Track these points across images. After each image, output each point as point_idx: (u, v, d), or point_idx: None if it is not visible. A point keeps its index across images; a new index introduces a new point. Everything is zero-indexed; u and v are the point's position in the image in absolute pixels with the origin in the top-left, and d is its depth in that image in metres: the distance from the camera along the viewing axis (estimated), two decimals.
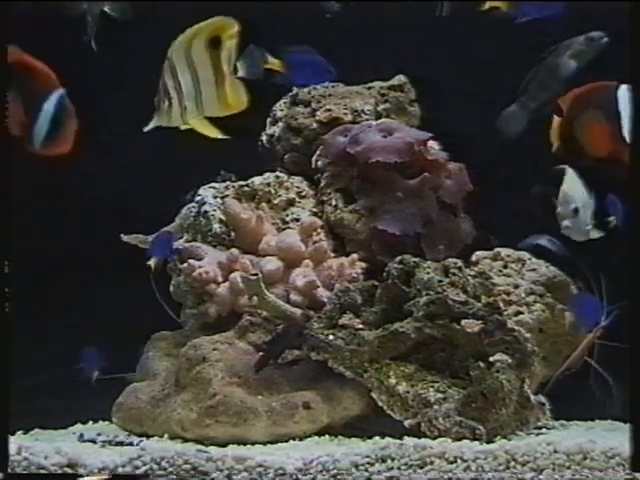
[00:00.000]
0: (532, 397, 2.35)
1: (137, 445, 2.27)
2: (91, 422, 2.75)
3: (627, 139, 2.30)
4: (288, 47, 2.46)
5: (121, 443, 2.33)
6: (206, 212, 2.74)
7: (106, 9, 2.76)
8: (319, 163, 2.79)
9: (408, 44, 2.92)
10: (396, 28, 2.91)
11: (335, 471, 2.03)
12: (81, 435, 2.42)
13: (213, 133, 2.35)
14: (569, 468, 2.01)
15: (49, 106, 2.15)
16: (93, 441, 2.36)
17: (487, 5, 2.51)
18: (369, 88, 2.92)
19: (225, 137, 2.35)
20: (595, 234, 2.54)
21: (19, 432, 2.51)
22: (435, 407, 2.29)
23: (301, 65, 2.52)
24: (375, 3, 2.89)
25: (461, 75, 2.86)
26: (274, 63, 2.44)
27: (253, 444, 2.30)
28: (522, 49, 2.73)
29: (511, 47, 2.76)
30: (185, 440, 2.34)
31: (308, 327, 2.41)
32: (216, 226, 2.72)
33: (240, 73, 2.32)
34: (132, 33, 2.86)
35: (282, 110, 2.95)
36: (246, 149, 2.97)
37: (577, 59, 2.61)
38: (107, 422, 2.64)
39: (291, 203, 2.77)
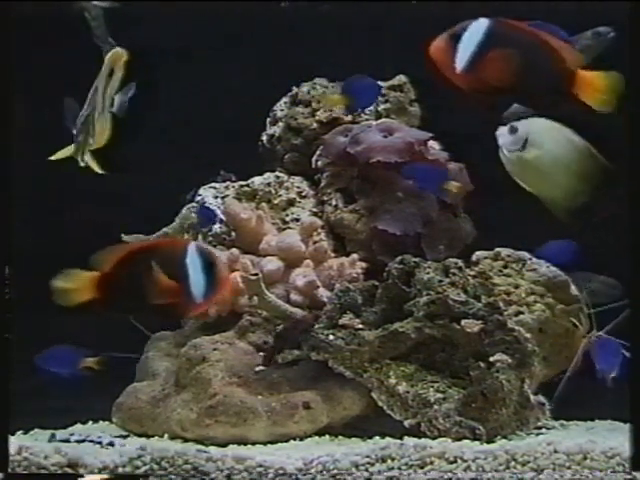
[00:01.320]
0: (532, 397, 2.35)
1: (110, 445, 2.27)
2: (91, 422, 2.75)
3: None
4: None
5: (99, 443, 2.32)
6: None
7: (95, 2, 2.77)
8: (319, 163, 2.79)
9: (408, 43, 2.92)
10: (396, 28, 2.91)
11: (335, 471, 2.03)
12: (53, 435, 2.41)
13: (95, 167, 2.36)
14: (569, 468, 2.01)
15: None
16: (67, 440, 2.35)
17: None
18: None
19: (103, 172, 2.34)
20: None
21: (19, 432, 2.51)
22: (435, 407, 2.29)
23: (360, 92, 2.57)
24: (375, 3, 2.89)
25: None
26: (335, 99, 2.53)
27: (253, 444, 2.30)
28: None
29: None
30: (185, 440, 2.35)
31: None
32: (216, 226, 2.72)
33: (114, 108, 2.31)
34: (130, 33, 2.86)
35: (282, 110, 2.95)
36: (246, 149, 2.97)
37: (584, 54, 2.60)
38: (107, 422, 2.64)
39: (291, 203, 2.78)
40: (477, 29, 2.04)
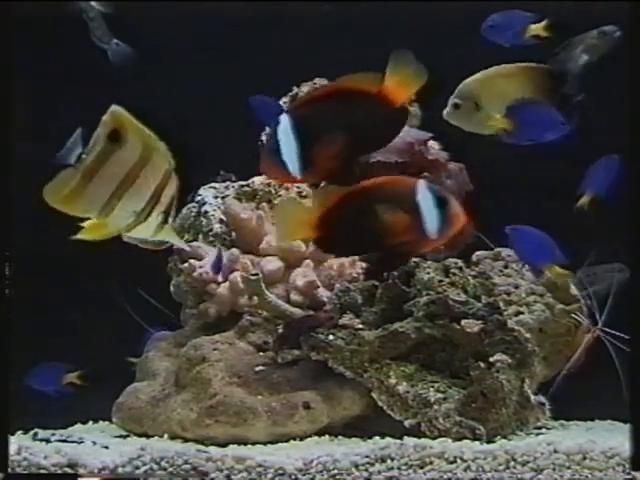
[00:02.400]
0: (532, 397, 2.34)
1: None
2: (91, 422, 2.75)
3: None
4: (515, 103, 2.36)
5: (79, 442, 2.33)
6: (206, 212, 2.74)
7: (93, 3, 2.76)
8: None
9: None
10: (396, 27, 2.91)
11: (335, 471, 2.03)
12: (35, 434, 2.42)
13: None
14: (569, 468, 2.01)
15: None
16: (47, 440, 2.36)
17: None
18: None
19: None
20: None
21: (19, 432, 2.51)
22: (435, 407, 2.29)
23: (529, 120, 2.34)
24: (376, 3, 2.89)
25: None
26: (497, 120, 2.32)
27: (253, 444, 2.30)
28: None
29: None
30: (185, 440, 2.35)
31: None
32: (216, 226, 2.72)
33: None
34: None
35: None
36: (246, 149, 2.97)
37: (590, 54, 2.59)
38: (107, 422, 2.64)
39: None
40: (285, 132, 2.03)
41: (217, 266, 2.45)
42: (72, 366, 2.52)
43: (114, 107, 1.93)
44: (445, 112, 2.38)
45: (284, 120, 2.02)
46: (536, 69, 2.35)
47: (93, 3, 2.80)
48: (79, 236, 1.98)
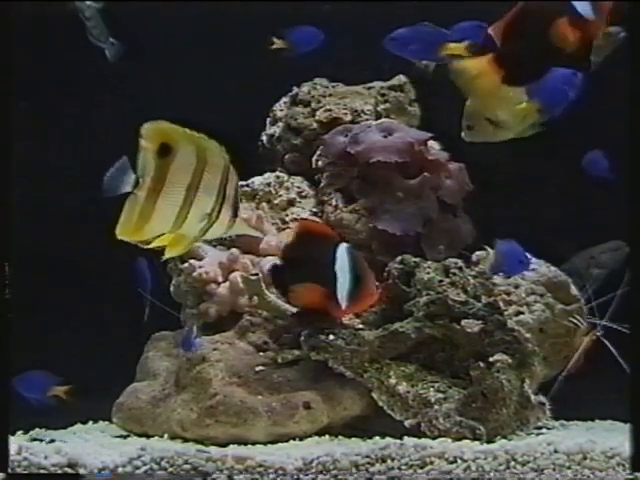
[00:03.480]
0: (532, 397, 2.34)
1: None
2: (91, 422, 2.75)
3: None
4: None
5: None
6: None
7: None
8: (319, 163, 2.79)
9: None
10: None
11: (335, 471, 2.03)
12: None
13: None
14: (569, 468, 2.01)
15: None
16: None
17: None
18: (369, 88, 2.92)
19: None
20: None
21: (19, 432, 2.51)
22: (435, 407, 2.29)
23: (551, 88, 2.30)
24: (375, 3, 2.89)
25: None
26: (525, 108, 2.27)
27: (253, 444, 2.30)
28: None
29: None
30: (185, 440, 2.35)
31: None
32: None
33: None
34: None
35: (282, 110, 2.95)
36: (246, 149, 2.97)
37: (594, 54, 2.59)
38: (107, 422, 2.64)
39: (291, 203, 2.77)
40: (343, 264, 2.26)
41: (188, 342, 2.44)
42: (63, 378, 2.50)
43: (151, 124, 1.93)
44: (463, 135, 2.37)
45: (342, 251, 2.25)
46: None
47: (90, 2, 2.80)
48: (167, 255, 2.00)
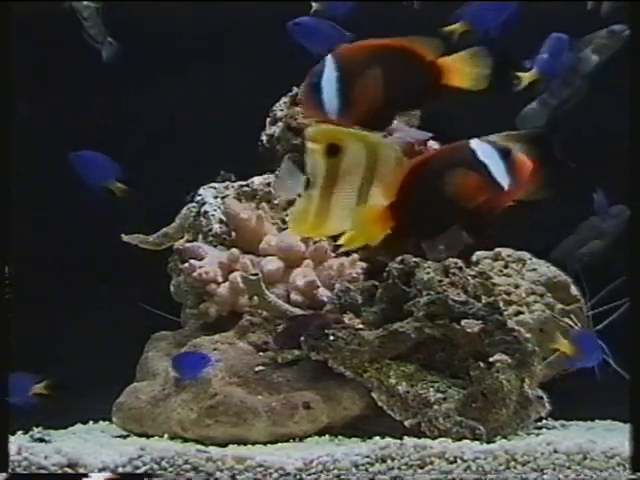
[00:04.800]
0: (531, 392, 2.34)
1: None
2: (91, 422, 2.76)
3: None
4: None
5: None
6: (206, 212, 2.74)
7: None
8: None
9: None
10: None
11: (335, 471, 2.03)
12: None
13: None
14: (569, 468, 2.01)
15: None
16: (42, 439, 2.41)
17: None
18: None
19: None
20: None
21: (19, 432, 2.51)
22: (435, 407, 2.29)
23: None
24: (376, 3, 2.89)
25: None
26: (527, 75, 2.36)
27: (253, 444, 2.30)
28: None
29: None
30: (185, 440, 2.35)
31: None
32: (216, 226, 2.72)
33: None
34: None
35: (282, 110, 2.95)
36: (246, 149, 2.97)
37: (599, 53, 2.59)
38: (107, 422, 2.64)
39: (291, 203, 2.77)
40: (329, 70, 2.01)
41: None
42: (39, 376, 2.50)
43: (316, 127, 2.04)
44: None
45: (329, 61, 2.00)
46: None
47: (87, 2, 2.79)
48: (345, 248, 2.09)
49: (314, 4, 2.60)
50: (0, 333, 2.13)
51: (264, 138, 2.98)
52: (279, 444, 2.30)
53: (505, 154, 2.04)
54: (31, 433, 2.49)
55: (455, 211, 2.05)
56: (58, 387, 2.48)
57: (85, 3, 2.79)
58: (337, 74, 1.98)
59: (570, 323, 2.57)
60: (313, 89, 1.99)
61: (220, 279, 2.58)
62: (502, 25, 2.43)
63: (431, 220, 2.07)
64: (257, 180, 2.80)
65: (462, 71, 2.01)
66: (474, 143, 2.05)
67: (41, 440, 2.42)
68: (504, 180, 2.03)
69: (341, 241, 2.11)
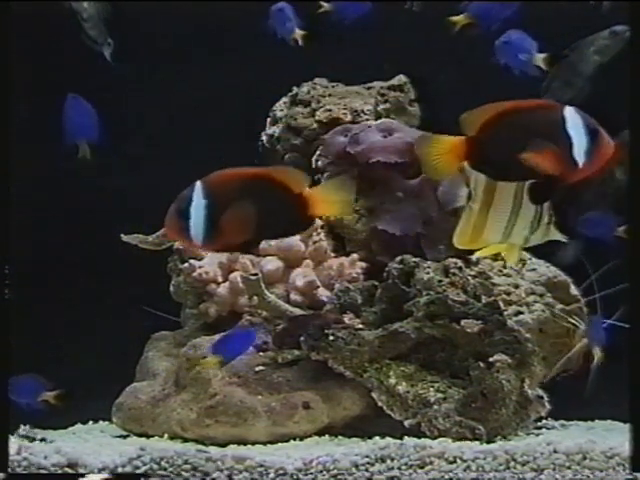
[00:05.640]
0: (530, 392, 2.34)
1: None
2: (91, 422, 2.75)
3: None
4: None
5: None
6: None
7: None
8: (319, 163, 2.79)
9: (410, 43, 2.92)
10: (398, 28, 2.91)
11: (335, 471, 2.03)
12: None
13: None
14: (569, 468, 2.01)
15: None
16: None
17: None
18: (369, 88, 2.92)
19: None
20: None
21: (19, 431, 2.51)
22: (435, 407, 2.29)
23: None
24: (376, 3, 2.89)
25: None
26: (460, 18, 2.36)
27: (253, 444, 2.30)
28: None
29: None
30: (185, 440, 2.35)
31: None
32: None
33: None
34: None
35: (282, 110, 2.95)
36: (246, 149, 2.97)
37: (601, 54, 2.58)
38: (107, 422, 2.64)
39: None
40: (197, 197, 1.99)
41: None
42: (53, 384, 2.50)
43: None
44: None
45: (198, 188, 2.00)
46: None
47: (86, 4, 2.79)
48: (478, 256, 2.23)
49: (324, 5, 2.60)
50: (0, 333, 2.13)
51: (264, 138, 2.98)
52: (279, 444, 2.30)
53: (593, 133, 2.01)
54: (18, 431, 2.48)
55: (523, 169, 2.02)
56: (68, 397, 2.48)
57: (85, 5, 2.78)
58: (205, 202, 1.98)
59: (572, 321, 2.57)
60: (180, 215, 1.99)
61: (220, 279, 2.58)
62: (504, 22, 2.44)
63: (501, 167, 2.05)
64: None
65: (328, 201, 2.03)
66: (568, 111, 2.01)
67: (27, 437, 2.42)
68: (581, 158, 2.01)
69: (479, 253, 2.26)
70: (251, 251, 2.25)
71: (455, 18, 2.39)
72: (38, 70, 2.90)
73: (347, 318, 2.44)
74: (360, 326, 2.43)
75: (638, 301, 2.10)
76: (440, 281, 2.43)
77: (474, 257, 2.66)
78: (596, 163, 2.03)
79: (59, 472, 2.01)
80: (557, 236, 2.18)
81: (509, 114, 2.02)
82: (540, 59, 2.38)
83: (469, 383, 2.32)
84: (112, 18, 2.82)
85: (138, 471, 2.02)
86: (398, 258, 2.49)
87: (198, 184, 1.99)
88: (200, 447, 2.20)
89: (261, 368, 2.43)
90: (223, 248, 2.08)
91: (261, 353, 2.49)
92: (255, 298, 2.49)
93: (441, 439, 2.21)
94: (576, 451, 2.02)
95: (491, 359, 2.31)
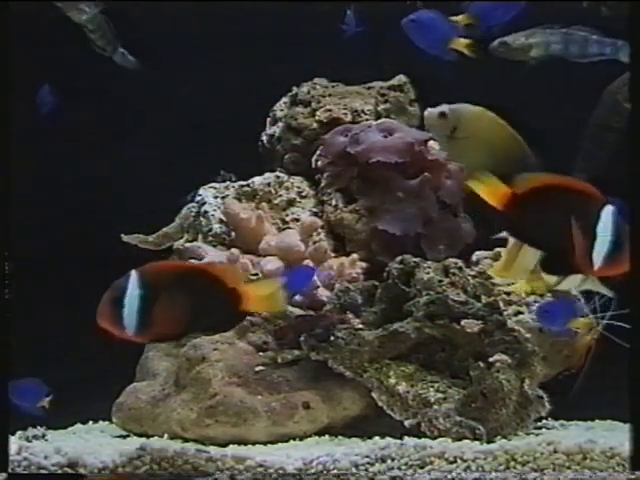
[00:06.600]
0: (530, 392, 2.34)
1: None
2: (91, 422, 2.75)
3: None
4: None
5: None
6: (206, 212, 2.74)
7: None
8: (319, 163, 2.79)
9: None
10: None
11: (335, 471, 2.03)
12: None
13: None
14: (569, 468, 2.01)
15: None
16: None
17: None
18: (369, 88, 2.92)
19: None
20: None
21: (19, 432, 2.51)
22: (435, 407, 2.29)
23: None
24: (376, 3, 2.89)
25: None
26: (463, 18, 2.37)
27: (253, 444, 2.30)
28: None
29: None
30: (185, 440, 2.35)
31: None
32: (216, 226, 2.72)
33: None
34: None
35: (282, 110, 2.95)
36: (246, 149, 2.97)
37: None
38: (107, 422, 2.64)
39: (291, 203, 2.77)
40: (132, 287, 1.98)
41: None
42: (51, 387, 2.50)
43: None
44: (429, 115, 2.40)
45: (133, 278, 2.00)
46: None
47: (87, 15, 2.78)
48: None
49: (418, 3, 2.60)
50: (0, 333, 2.13)
51: (264, 138, 2.98)
52: (279, 444, 2.30)
53: (617, 245, 2.01)
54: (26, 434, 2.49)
55: (554, 240, 2.05)
56: (56, 404, 2.49)
57: (85, 16, 2.77)
58: (140, 292, 1.98)
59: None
60: (114, 304, 1.99)
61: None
62: (506, 24, 2.44)
63: (528, 231, 2.08)
64: (257, 180, 2.80)
65: (260, 298, 2.05)
66: (605, 212, 2.01)
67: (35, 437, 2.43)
68: (596, 262, 2.01)
69: (512, 288, 2.49)
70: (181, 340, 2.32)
71: (457, 18, 2.39)
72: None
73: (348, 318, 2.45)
74: (360, 326, 2.43)
75: (638, 301, 2.10)
76: (440, 281, 2.43)
77: (474, 257, 2.67)
78: (606, 272, 2.04)
79: (59, 472, 2.02)
80: (598, 288, 2.25)
81: (556, 189, 2.04)
82: (461, 44, 2.39)
83: (469, 383, 2.32)
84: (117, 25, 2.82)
85: (138, 471, 2.02)
86: (398, 258, 2.49)
87: (134, 274, 1.99)
88: (200, 447, 2.20)
89: (261, 368, 2.43)
90: (155, 338, 2.09)
91: (261, 353, 2.49)
92: None
93: (441, 439, 2.21)
94: (576, 451, 2.02)
95: (491, 359, 2.31)
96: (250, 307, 2.04)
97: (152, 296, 1.98)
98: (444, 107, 2.38)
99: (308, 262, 2.58)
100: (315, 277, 2.47)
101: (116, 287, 1.99)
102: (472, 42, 2.40)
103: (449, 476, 2.01)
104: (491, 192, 2.05)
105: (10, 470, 2.02)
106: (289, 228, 2.70)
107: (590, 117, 2.71)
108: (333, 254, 2.64)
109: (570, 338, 2.46)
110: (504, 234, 2.30)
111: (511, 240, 2.30)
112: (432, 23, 2.39)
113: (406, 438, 2.20)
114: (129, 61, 2.84)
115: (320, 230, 2.67)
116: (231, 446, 2.27)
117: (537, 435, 2.34)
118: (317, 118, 2.85)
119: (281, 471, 2.03)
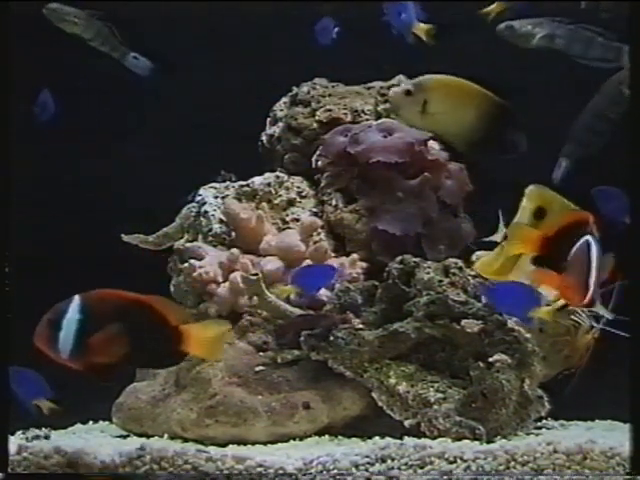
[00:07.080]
0: (530, 392, 2.34)
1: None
2: (91, 422, 2.75)
3: None
4: None
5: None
6: (206, 212, 2.74)
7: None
8: (319, 163, 2.79)
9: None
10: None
11: (335, 471, 2.03)
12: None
13: None
14: (569, 468, 2.01)
15: None
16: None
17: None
18: (369, 88, 2.92)
19: None
20: None
21: (19, 432, 2.51)
22: (435, 407, 2.29)
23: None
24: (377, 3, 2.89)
25: None
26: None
27: (253, 444, 2.30)
28: None
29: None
30: (185, 440, 2.35)
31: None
32: (216, 226, 2.72)
33: None
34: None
35: (282, 110, 2.95)
36: (246, 149, 2.97)
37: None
38: (107, 422, 2.64)
39: (291, 203, 2.77)
40: (72, 311, 1.96)
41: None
42: (53, 393, 2.50)
43: (536, 186, 2.21)
44: (392, 92, 2.41)
45: (75, 302, 1.98)
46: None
47: (81, 22, 2.76)
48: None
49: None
50: (0, 332, 2.13)
51: (264, 138, 2.98)
52: (279, 444, 2.30)
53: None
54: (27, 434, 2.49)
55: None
56: (56, 412, 2.48)
57: (78, 29, 2.75)
58: (79, 317, 1.96)
59: (575, 319, 2.57)
60: (52, 325, 1.96)
61: (220, 279, 2.58)
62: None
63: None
64: (257, 180, 2.80)
65: (200, 341, 2.02)
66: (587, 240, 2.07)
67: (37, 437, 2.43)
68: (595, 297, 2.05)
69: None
70: (113, 376, 2.15)
71: (489, 8, 2.44)
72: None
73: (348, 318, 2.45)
74: (360, 326, 2.43)
75: (638, 301, 2.10)
76: (440, 281, 2.43)
77: (474, 257, 2.67)
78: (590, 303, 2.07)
79: (59, 472, 2.02)
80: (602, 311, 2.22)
81: (576, 226, 2.08)
82: (422, 29, 2.41)
83: (469, 383, 2.32)
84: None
85: (138, 471, 2.02)
86: (398, 258, 2.49)
87: (76, 298, 1.97)
88: (200, 447, 2.20)
89: (261, 368, 2.43)
90: (87, 367, 2.01)
91: (261, 353, 2.49)
92: (255, 298, 2.49)
93: (441, 439, 2.21)
94: (576, 451, 2.02)
95: (491, 359, 2.31)
96: (189, 349, 2.00)
97: (91, 323, 1.95)
98: (407, 84, 2.37)
99: (330, 262, 2.58)
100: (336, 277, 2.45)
101: (56, 309, 1.97)
102: (431, 28, 2.43)
103: (449, 476, 2.01)
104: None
105: (10, 470, 2.02)
106: (289, 228, 2.70)
107: (588, 103, 2.69)
108: (333, 254, 2.64)
109: (532, 327, 2.45)
110: (496, 237, 2.29)
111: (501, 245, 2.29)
112: (404, 5, 2.44)
113: (406, 438, 2.20)
114: (142, 65, 2.82)
115: (320, 230, 2.67)
116: (231, 446, 2.28)
117: (537, 435, 2.35)
118: (317, 118, 2.85)
119: (281, 471, 2.03)
